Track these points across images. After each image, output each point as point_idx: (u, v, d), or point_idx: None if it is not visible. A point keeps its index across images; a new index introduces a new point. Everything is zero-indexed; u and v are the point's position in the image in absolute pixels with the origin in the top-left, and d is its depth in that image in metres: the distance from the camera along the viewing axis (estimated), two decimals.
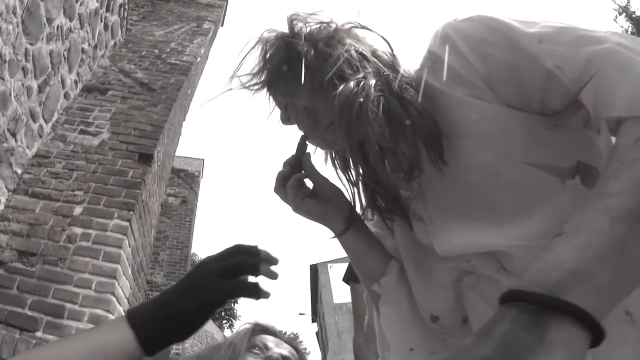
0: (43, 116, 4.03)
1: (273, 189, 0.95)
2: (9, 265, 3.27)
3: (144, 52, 5.18)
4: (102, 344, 0.68)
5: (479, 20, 0.75)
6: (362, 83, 0.77)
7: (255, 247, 0.78)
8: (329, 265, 25.46)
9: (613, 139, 0.58)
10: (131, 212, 3.60)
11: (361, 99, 0.75)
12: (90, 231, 3.46)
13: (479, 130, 0.73)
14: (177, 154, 5.69)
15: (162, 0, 6.30)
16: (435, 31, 0.81)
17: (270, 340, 1.20)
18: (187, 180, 11.22)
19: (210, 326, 18.12)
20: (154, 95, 4.64)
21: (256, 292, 0.74)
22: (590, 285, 0.42)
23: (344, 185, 0.95)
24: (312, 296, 30.46)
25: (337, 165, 0.96)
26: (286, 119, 0.92)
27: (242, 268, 0.75)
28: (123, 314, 2.71)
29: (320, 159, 0.98)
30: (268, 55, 0.87)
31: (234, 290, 0.73)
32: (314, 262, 26.21)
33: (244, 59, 0.89)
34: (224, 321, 35.45)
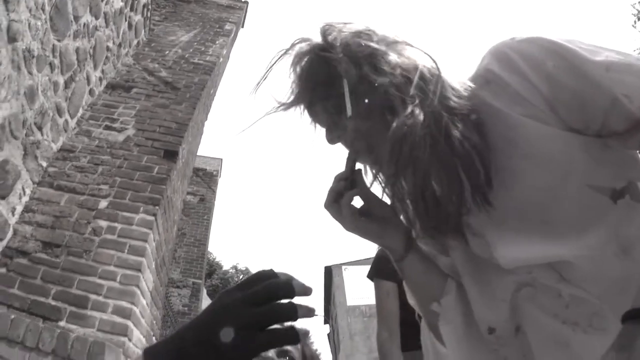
0: (68, 111, 4.04)
1: (324, 204, 0.92)
2: (33, 255, 3.26)
3: (167, 52, 5.20)
4: None
5: (539, 41, 0.77)
6: (410, 121, 0.77)
7: (289, 284, 0.61)
8: (343, 267, 25.24)
9: None
10: (157, 207, 3.59)
11: (411, 139, 0.76)
12: (116, 224, 3.45)
13: (540, 152, 0.75)
14: (197, 153, 5.69)
15: (184, 1, 6.34)
16: (490, 50, 0.82)
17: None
18: (205, 179, 11.33)
19: None
20: (178, 94, 4.64)
21: (295, 338, 0.60)
22: None
23: (395, 205, 0.93)
24: (325, 297, 30.22)
25: (384, 184, 0.94)
26: (334, 139, 0.91)
27: (276, 318, 0.59)
28: (146, 306, 2.66)
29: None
30: (306, 72, 0.87)
31: (268, 345, 0.59)
32: (328, 264, 25.94)
33: (270, 68, 0.89)
34: None
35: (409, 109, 0.77)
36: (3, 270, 3.21)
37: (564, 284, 0.78)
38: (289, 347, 1.16)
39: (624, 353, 0.49)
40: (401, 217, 0.93)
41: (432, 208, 0.84)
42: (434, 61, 0.82)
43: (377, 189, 0.94)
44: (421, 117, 0.77)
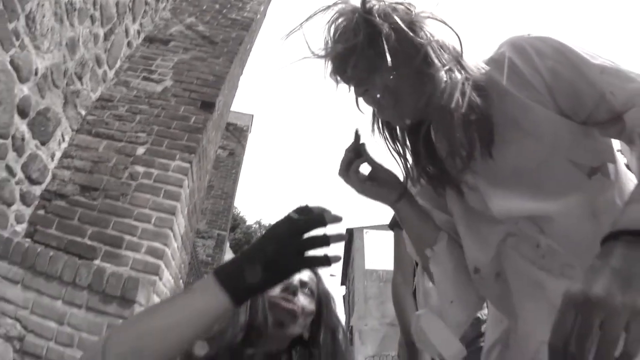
0: (107, 62, 4.07)
1: (338, 172, 1.10)
2: (71, 198, 3.31)
3: (205, 7, 5.17)
4: (199, 309, 0.74)
5: (549, 41, 0.94)
6: (452, 75, 0.93)
7: (322, 217, 0.82)
8: (364, 230, 25.14)
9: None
10: (192, 155, 3.60)
11: (453, 92, 0.91)
12: (153, 170, 3.47)
13: (536, 129, 0.93)
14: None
15: None
16: (508, 41, 0.99)
17: None
18: (236, 133, 11.45)
19: None
20: (216, 48, 4.62)
21: (327, 262, 0.82)
22: None
23: (394, 156, 1.10)
24: (344, 259, 30.28)
25: (392, 138, 1.10)
26: (362, 93, 1.03)
27: (314, 245, 0.80)
28: (176, 249, 2.65)
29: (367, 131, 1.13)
30: (345, 28, 0.97)
31: (305, 263, 0.83)
32: (350, 226, 25.67)
33: (307, 20, 0.98)
34: None
35: (446, 66, 0.93)
36: (42, 212, 3.28)
37: (543, 236, 0.94)
38: (307, 280, 1.30)
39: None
40: (401, 167, 1.11)
41: (441, 159, 1.05)
42: (460, 42, 0.97)
43: (383, 146, 1.11)
44: (458, 75, 0.93)
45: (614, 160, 0.96)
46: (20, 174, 3.22)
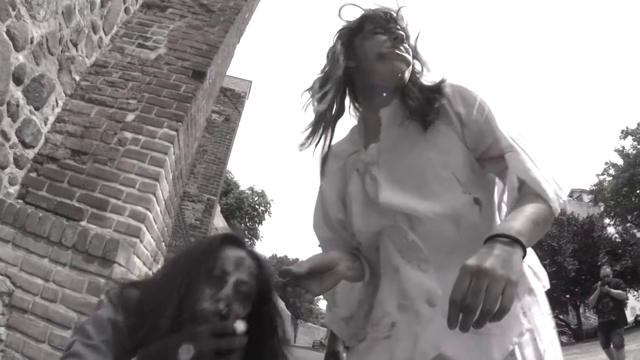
0: (103, 29, 4.14)
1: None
2: (62, 161, 3.43)
3: None
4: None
5: (480, 97, 1.21)
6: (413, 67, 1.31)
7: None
8: None
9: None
10: (179, 123, 3.68)
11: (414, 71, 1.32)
12: (140, 137, 3.57)
13: (445, 146, 1.18)
14: (227, 73, 5.71)
15: None
16: (453, 85, 1.24)
17: (232, 261, 1.23)
18: (232, 99, 11.41)
19: None
20: (212, 17, 4.64)
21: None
22: (524, 236, 0.96)
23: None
24: None
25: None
26: (401, 42, 1.27)
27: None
28: (159, 213, 2.77)
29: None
30: (384, 12, 1.31)
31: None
32: None
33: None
34: (246, 239, 36.26)
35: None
36: (34, 174, 3.42)
37: (411, 232, 1.18)
38: (245, 279, 1.23)
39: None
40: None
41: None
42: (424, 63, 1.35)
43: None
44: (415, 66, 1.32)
45: (490, 194, 1.23)
46: (14, 139, 3.35)
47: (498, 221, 1.21)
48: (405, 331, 1.15)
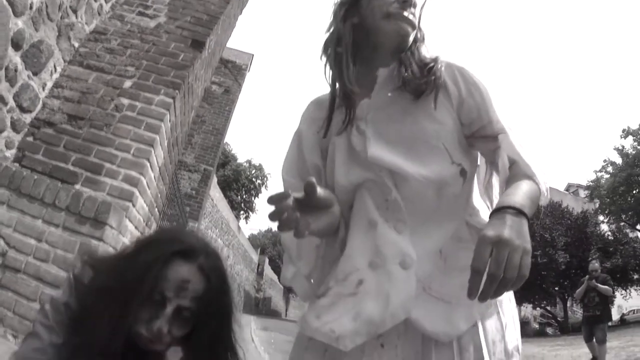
0: None
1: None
2: (58, 126, 3.45)
3: None
4: None
5: (478, 78, 1.24)
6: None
7: None
8: None
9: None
10: (176, 91, 3.67)
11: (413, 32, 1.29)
12: (137, 103, 3.57)
13: (439, 116, 1.20)
14: (228, 45, 5.67)
15: None
16: (444, 61, 1.25)
17: (174, 285, 1.15)
18: (233, 71, 11.38)
19: (227, 213, 18.34)
20: None
21: None
22: (526, 209, 1.01)
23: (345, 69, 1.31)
24: None
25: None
26: (409, 5, 1.26)
27: None
28: (153, 179, 2.82)
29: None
30: None
31: None
32: None
33: None
34: (242, 212, 35.98)
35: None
36: (30, 138, 3.43)
37: (395, 190, 1.17)
38: (186, 304, 1.17)
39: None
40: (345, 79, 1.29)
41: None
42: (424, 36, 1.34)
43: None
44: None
45: (473, 169, 1.25)
46: (12, 103, 3.36)
47: (476, 197, 1.25)
48: (375, 290, 1.12)
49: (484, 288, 0.91)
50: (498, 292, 0.91)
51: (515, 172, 1.17)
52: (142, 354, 1.17)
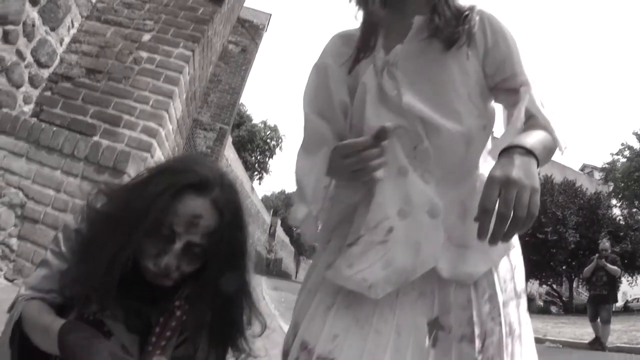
0: None
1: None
2: (76, 80, 3.40)
3: None
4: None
5: (508, 29, 1.20)
6: None
7: None
8: None
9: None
10: (195, 44, 3.59)
11: None
12: (156, 56, 3.51)
13: (466, 67, 1.16)
14: (246, 4, 5.54)
15: None
16: (484, 11, 1.19)
17: (184, 220, 1.06)
18: (250, 31, 11.25)
19: (241, 174, 18.44)
20: None
21: None
22: (537, 150, 1.00)
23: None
24: None
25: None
26: None
27: None
28: (171, 131, 2.71)
29: None
30: None
31: None
32: None
33: None
34: (256, 173, 35.72)
35: None
36: (48, 93, 3.38)
37: (426, 140, 1.13)
38: (196, 240, 1.08)
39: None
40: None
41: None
42: None
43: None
44: None
45: (491, 125, 1.24)
46: (29, 58, 3.30)
47: (492, 151, 1.24)
48: (404, 238, 1.12)
49: (495, 229, 0.92)
50: (509, 233, 0.91)
51: (531, 123, 1.13)
52: (151, 288, 1.10)
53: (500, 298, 1.15)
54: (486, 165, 1.20)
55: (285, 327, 2.15)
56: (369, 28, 1.24)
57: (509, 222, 0.90)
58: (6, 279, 2.77)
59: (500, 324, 1.13)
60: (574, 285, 25.31)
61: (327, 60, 1.31)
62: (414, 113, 1.14)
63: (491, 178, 0.94)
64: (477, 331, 1.11)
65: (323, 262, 1.24)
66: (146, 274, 1.07)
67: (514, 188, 0.91)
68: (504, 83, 1.19)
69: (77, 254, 1.08)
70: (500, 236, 0.91)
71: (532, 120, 1.13)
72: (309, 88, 1.32)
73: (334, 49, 1.32)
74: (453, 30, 1.15)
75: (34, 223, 2.81)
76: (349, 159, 1.05)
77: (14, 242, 2.81)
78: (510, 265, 1.20)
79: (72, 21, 3.62)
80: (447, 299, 1.13)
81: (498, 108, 1.27)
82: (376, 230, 1.14)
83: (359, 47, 1.24)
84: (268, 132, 36.24)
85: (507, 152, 1.00)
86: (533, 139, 1.04)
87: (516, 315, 1.18)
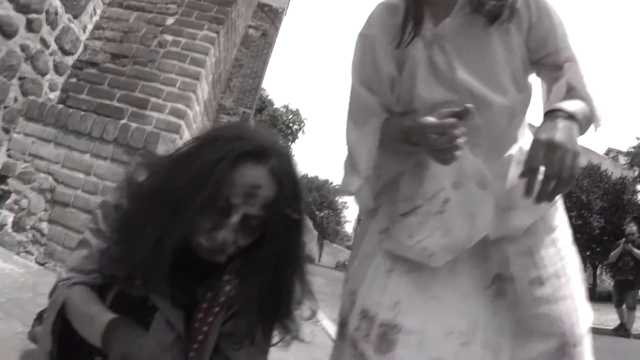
0: None
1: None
2: (102, 65, 3.38)
3: None
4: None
5: (551, 5, 1.19)
6: None
7: None
8: None
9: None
10: (220, 26, 3.55)
11: None
12: (181, 39, 3.49)
13: (509, 42, 1.17)
14: None
15: None
16: None
17: (242, 191, 0.98)
18: (270, 15, 11.15)
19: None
20: None
21: None
22: (578, 116, 1.04)
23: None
24: None
25: None
26: None
27: None
28: (198, 113, 2.65)
29: None
30: None
31: None
32: None
33: None
34: (289, 136, 35.16)
35: None
36: (74, 80, 3.37)
37: (477, 114, 1.11)
38: (254, 212, 1.00)
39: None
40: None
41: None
42: None
43: None
44: None
45: (529, 100, 1.26)
46: (53, 46, 3.28)
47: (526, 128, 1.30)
48: (459, 209, 1.16)
49: (541, 189, 0.97)
50: (554, 193, 0.97)
51: (572, 94, 1.16)
52: (201, 263, 1.03)
53: (561, 240, 1.22)
54: (523, 139, 1.23)
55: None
56: (415, 1, 1.20)
57: (554, 182, 0.95)
58: (37, 262, 2.75)
59: (568, 264, 1.21)
60: (598, 272, 24.72)
61: (373, 31, 1.29)
62: (466, 87, 1.16)
63: (536, 140, 1.00)
64: (546, 273, 1.17)
65: (375, 228, 1.26)
66: (198, 250, 1.00)
67: (557, 151, 0.96)
68: (547, 58, 1.21)
69: (119, 232, 1.01)
70: (546, 195, 0.97)
71: (573, 92, 1.16)
72: (355, 58, 1.30)
73: (380, 19, 1.30)
74: (496, 4, 1.14)
75: (64, 207, 2.77)
76: (440, 137, 1.03)
77: (44, 226, 2.78)
78: (556, 220, 1.25)
79: (94, 8, 3.59)
80: (504, 254, 1.18)
81: (535, 82, 1.29)
82: (433, 201, 1.18)
83: (405, 20, 1.21)
84: (290, 116, 35.87)
85: (550, 115, 1.05)
86: (575, 106, 1.07)
87: (574, 258, 1.25)
